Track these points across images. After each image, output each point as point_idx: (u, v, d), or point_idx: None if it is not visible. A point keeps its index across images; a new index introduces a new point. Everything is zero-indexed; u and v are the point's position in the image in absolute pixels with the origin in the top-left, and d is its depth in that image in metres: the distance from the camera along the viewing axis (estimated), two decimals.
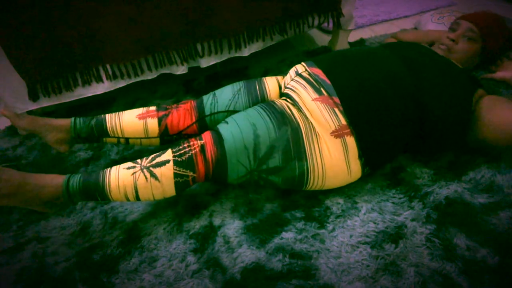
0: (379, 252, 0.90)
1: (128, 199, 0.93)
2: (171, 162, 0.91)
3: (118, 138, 1.11)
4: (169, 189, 0.93)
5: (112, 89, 1.38)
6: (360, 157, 0.98)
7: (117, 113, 1.12)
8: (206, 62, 1.46)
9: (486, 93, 1.11)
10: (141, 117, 1.10)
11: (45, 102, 1.35)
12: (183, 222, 1.02)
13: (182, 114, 1.11)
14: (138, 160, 0.94)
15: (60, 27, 1.21)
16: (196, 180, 0.95)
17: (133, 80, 1.40)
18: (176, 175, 0.92)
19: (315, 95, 0.98)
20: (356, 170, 0.99)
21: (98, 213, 1.07)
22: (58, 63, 1.27)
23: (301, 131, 0.95)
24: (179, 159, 0.92)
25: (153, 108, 1.13)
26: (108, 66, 1.34)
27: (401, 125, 0.99)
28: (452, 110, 1.01)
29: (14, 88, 1.29)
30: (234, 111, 1.09)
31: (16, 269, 0.94)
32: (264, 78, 1.17)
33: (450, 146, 1.11)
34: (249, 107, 1.10)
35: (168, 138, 1.12)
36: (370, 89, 0.98)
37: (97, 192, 0.91)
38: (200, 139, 0.96)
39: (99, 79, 1.35)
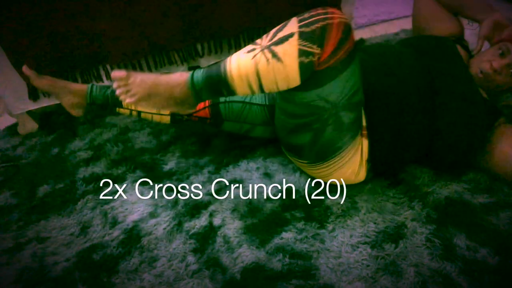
0: (379, 252, 0.90)
1: (252, 91, 0.83)
2: (296, 36, 0.77)
3: (131, 110, 1.11)
4: (293, 74, 0.79)
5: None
6: (368, 161, 1.00)
7: None
8: (206, 62, 1.46)
9: (505, 121, 1.06)
10: None
11: (45, 102, 1.35)
12: (183, 222, 1.02)
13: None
14: (258, 41, 0.83)
15: (60, 27, 1.21)
16: (318, 63, 0.80)
17: None
18: (301, 52, 0.77)
19: None
20: (362, 172, 1.01)
21: (98, 213, 1.07)
22: (58, 63, 1.27)
23: None
24: (306, 29, 0.77)
25: None
26: (108, 66, 1.34)
27: (412, 142, 1.00)
28: (464, 142, 0.99)
29: (14, 88, 1.29)
30: (251, 103, 1.10)
31: (16, 269, 0.94)
32: None
33: (453, 167, 1.09)
34: (265, 103, 1.10)
35: (178, 117, 1.11)
36: (393, 98, 0.97)
37: (221, 85, 0.83)
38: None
39: (99, 79, 1.35)
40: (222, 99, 1.10)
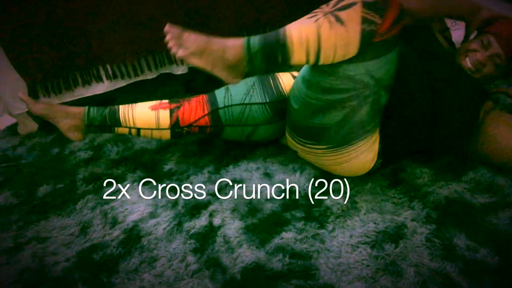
0: (379, 252, 0.90)
1: (308, 59, 0.84)
2: (360, 4, 0.80)
3: (130, 128, 1.11)
4: (354, 41, 0.81)
5: (112, 89, 1.38)
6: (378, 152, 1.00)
7: (130, 104, 1.13)
8: None
9: (494, 105, 1.11)
10: (154, 108, 1.10)
11: None
12: (183, 222, 1.02)
13: (193, 107, 1.11)
14: (322, 6, 0.84)
15: (60, 27, 1.21)
16: (378, 33, 0.82)
17: (133, 80, 1.40)
18: (364, 19, 0.80)
19: None
20: (370, 158, 1.01)
21: (98, 213, 1.07)
22: (58, 63, 1.27)
23: None
24: (369, 0, 0.80)
25: (165, 100, 1.13)
26: (108, 66, 1.34)
27: (419, 125, 1.01)
28: (460, 115, 1.02)
29: (14, 88, 1.29)
30: (251, 103, 1.09)
31: (16, 269, 0.94)
32: (277, 73, 1.17)
33: (454, 148, 1.11)
34: (266, 101, 1.10)
35: (178, 130, 1.12)
36: (401, 83, 0.98)
37: (278, 49, 0.84)
38: None
39: (99, 79, 1.35)
40: (221, 104, 1.10)
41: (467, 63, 1.06)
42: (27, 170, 1.25)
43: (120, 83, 1.38)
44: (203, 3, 1.31)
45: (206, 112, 1.10)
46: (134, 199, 1.10)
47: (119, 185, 1.15)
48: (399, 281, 0.84)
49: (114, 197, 1.11)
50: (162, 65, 1.41)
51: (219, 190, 1.10)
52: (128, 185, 1.14)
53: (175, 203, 1.07)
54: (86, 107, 1.12)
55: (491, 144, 1.04)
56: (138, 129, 1.11)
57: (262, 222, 0.99)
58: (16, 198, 1.15)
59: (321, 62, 0.85)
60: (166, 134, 1.12)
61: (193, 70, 1.52)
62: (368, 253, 0.90)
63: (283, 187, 1.09)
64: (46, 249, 0.99)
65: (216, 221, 1.01)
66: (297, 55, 0.84)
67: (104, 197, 1.12)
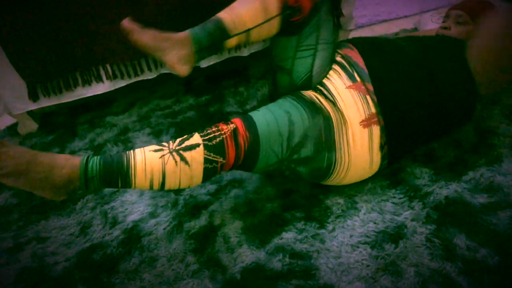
0: (379, 252, 0.90)
1: (152, 187, 0.86)
2: (202, 146, 0.86)
3: (239, 34, 0.95)
4: (197, 176, 0.88)
5: (112, 89, 1.38)
6: (381, 147, 0.98)
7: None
8: (206, 62, 1.46)
9: None
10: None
11: (45, 102, 1.35)
12: (183, 222, 1.02)
13: None
14: (164, 143, 0.88)
15: (60, 27, 1.21)
16: (224, 168, 0.90)
17: (133, 80, 1.40)
18: (206, 160, 0.86)
19: (349, 82, 0.98)
20: (376, 161, 1.00)
21: (98, 213, 1.07)
22: (58, 63, 1.27)
23: (332, 121, 0.95)
24: (210, 143, 0.87)
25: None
26: (108, 66, 1.34)
27: (421, 108, 1.01)
28: (455, 74, 1.06)
29: (14, 88, 1.29)
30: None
31: (16, 269, 0.94)
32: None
33: (466, 113, 1.13)
34: None
35: (288, 12, 0.93)
36: (402, 77, 1.00)
37: (120, 176, 0.83)
38: (231, 123, 0.91)
39: (99, 79, 1.35)
40: None
41: (436, 34, 1.23)
42: None
43: (120, 83, 1.38)
44: (203, 3, 1.31)
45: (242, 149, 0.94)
46: (134, 199, 1.10)
47: None
48: (399, 281, 0.84)
49: (114, 197, 1.11)
50: (162, 65, 1.41)
51: (219, 190, 1.10)
52: None
53: (175, 203, 1.07)
54: (190, 30, 0.95)
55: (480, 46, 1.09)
56: (248, 32, 0.95)
57: (262, 222, 0.99)
58: (16, 198, 1.15)
59: (166, 189, 0.89)
60: (275, 27, 0.95)
61: (193, 70, 1.52)
62: (368, 253, 0.90)
63: (283, 187, 1.09)
64: (46, 249, 0.99)
65: (216, 221, 1.01)
66: (139, 183, 0.85)
67: (104, 197, 1.12)
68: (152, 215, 1.04)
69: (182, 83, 1.63)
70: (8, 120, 1.49)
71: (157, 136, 1.34)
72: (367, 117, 0.95)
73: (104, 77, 1.36)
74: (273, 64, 1.08)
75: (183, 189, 1.11)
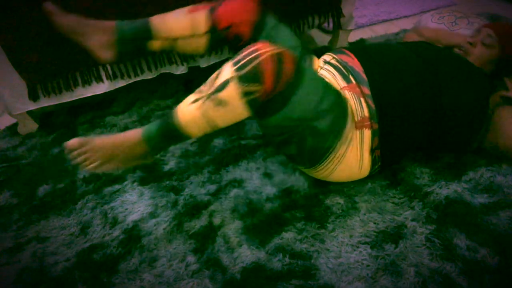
0: (379, 252, 0.90)
1: (206, 133, 0.89)
2: (233, 82, 0.80)
3: (163, 39, 1.01)
4: (242, 112, 0.84)
5: (112, 89, 1.38)
6: (372, 151, 0.98)
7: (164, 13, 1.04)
8: (206, 62, 1.46)
9: (501, 100, 1.12)
10: (192, 10, 1.01)
11: (45, 102, 1.35)
12: (183, 222, 1.02)
13: (236, 6, 1.00)
14: (201, 88, 0.86)
15: None
16: (264, 95, 0.83)
17: (133, 80, 1.40)
18: (243, 94, 0.81)
19: (343, 83, 0.99)
20: (366, 164, 1.00)
21: (98, 213, 1.07)
22: (58, 63, 1.27)
23: (347, 111, 0.94)
24: (241, 73, 0.80)
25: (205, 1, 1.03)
26: (108, 66, 1.34)
27: (420, 122, 1.00)
28: (468, 103, 1.02)
29: (14, 88, 1.29)
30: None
31: (16, 269, 0.94)
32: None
33: (462, 144, 1.11)
34: None
35: (215, 34, 1.00)
36: (398, 83, 0.98)
37: (175, 135, 0.88)
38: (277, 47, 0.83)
39: (99, 79, 1.35)
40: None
41: (459, 47, 1.15)
42: (27, 170, 1.25)
43: (120, 83, 1.38)
44: (204, 2, 1.30)
45: (250, 17, 0.99)
46: (134, 199, 1.10)
47: (119, 185, 1.15)
48: (399, 281, 0.84)
49: (114, 197, 1.11)
50: (162, 65, 1.41)
51: (219, 190, 1.10)
52: (128, 185, 1.14)
53: (175, 203, 1.07)
54: (117, 21, 1.01)
55: (501, 137, 1.06)
56: (174, 41, 1.01)
57: (262, 222, 0.99)
58: (16, 198, 1.15)
59: (222, 127, 0.88)
60: (203, 43, 1.02)
61: (193, 70, 1.52)
62: (368, 253, 0.90)
63: (283, 187, 1.09)
64: (46, 249, 0.99)
65: (216, 221, 1.01)
66: (194, 134, 0.88)
67: (104, 197, 1.12)
68: (152, 215, 1.04)
69: (182, 83, 1.63)
70: (8, 120, 1.49)
71: None
72: (359, 119, 0.95)
73: (104, 77, 1.36)
74: None
75: (183, 189, 1.11)
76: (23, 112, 1.36)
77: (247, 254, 0.92)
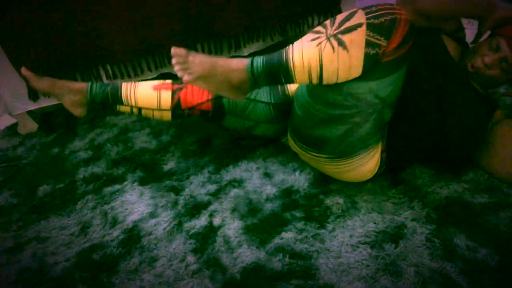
0: (379, 252, 0.90)
1: (311, 80, 0.83)
2: (364, 26, 0.77)
3: (131, 107, 1.10)
4: (357, 64, 0.79)
5: None
6: (381, 152, 0.99)
7: (133, 82, 1.12)
8: None
9: (503, 115, 1.09)
10: (156, 88, 1.08)
11: (45, 102, 1.35)
12: (183, 222, 1.02)
13: (196, 90, 1.08)
14: (322, 28, 0.82)
15: (60, 27, 1.21)
16: (382, 54, 0.79)
17: (133, 80, 1.40)
18: (368, 43, 0.77)
19: None
20: (376, 167, 1.01)
21: (98, 213, 1.07)
22: (58, 63, 1.27)
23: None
24: (375, 21, 0.76)
25: (169, 81, 1.12)
26: (108, 66, 1.34)
27: (425, 136, 1.01)
28: (468, 127, 1.01)
29: (14, 88, 1.29)
30: (256, 101, 1.08)
31: (16, 269, 0.94)
32: None
33: (461, 159, 1.11)
34: (271, 101, 1.08)
35: (179, 112, 1.09)
36: (407, 90, 0.95)
37: (281, 71, 0.84)
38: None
39: (99, 79, 1.35)
40: None
41: (472, 65, 1.03)
42: (27, 170, 1.25)
43: None
44: (204, 2, 1.31)
45: (209, 97, 1.08)
46: (134, 199, 1.10)
47: (119, 185, 1.15)
48: (399, 281, 0.84)
49: (114, 197, 1.11)
50: (162, 65, 1.41)
51: (219, 190, 1.10)
52: (128, 185, 1.14)
53: (175, 203, 1.07)
54: (89, 83, 1.11)
55: (494, 154, 1.04)
56: (139, 109, 1.09)
57: (262, 222, 0.99)
58: (16, 198, 1.15)
59: (324, 83, 0.84)
60: (167, 115, 1.10)
61: None
62: (368, 253, 0.90)
63: (283, 187, 1.09)
64: (46, 249, 0.99)
65: (216, 221, 1.01)
66: (299, 78, 0.84)
67: (104, 197, 1.12)
68: (152, 215, 1.04)
69: None
70: (8, 120, 1.49)
71: (156, 136, 1.34)
72: None
73: (104, 77, 1.36)
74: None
75: (183, 189, 1.11)
76: (23, 112, 1.36)
77: (247, 254, 0.92)
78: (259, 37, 1.48)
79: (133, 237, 0.99)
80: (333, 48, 0.78)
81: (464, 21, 1.19)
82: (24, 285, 0.91)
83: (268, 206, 1.04)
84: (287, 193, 1.07)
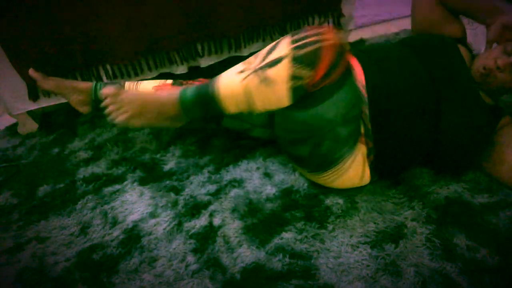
0: (379, 252, 0.90)
1: (242, 111, 0.85)
2: (288, 59, 0.76)
3: None
4: (284, 97, 0.79)
5: None
6: (372, 163, 0.99)
7: (136, 81, 1.14)
8: (206, 62, 1.47)
9: (510, 120, 1.05)
10: (157, 88, 1.10)
11: (45, 102, 1.35)
12: (183, 222, 1.02)
13: None
14: (251, 59, 0.83)
15: (60, 27, 1.21)
16: (311, 84, 0.78)
17: (133, 80, 1.40)
18: (292, 76, 0.76)
19: None
20: (367, 176, 1.01)
21: (98, 213, 1.07)
22: (58, 63, 1.27)
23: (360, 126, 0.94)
24: (299, 52, 0.75)
25: (169, 81, 1.13)
26: (108, 66, 1.34)
27: (417, 146, 1.00)
28: (467, 146, 0.99)
29: (14, 88, 1.29)
30: None
31: (16, 269, 0.94)
32: None
33: (456, 169, 1.09)
34: None
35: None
36: (399, 98, 0.95)
37: (210, 104, 0.85)
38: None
39: (99, 79, 1.35)
40: None
41: (484, 67, 0.98)
42: (27, 170, 1.25)
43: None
44: (204, 2, 1.31)
45: None
46: (134, 199, 1.10)
47: (119, 185, 1.15)
48: (399, 281, 0.84)
49: (114, 197, 1.11)
50: (162, 65, 1.41)
51: (219, 190, 1.10)
52: (128, 185, 1.14)
53: (175, 203, 1.07)
54: (94, 83, 1.16)
55: (501, 161, 1.01)
56: None
57: (262, 222, 0.99)
58: (16, 198, 1.15)
59: (257, 112, 0.85)
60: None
61: (192, 70, 1.52)
62: (368, 253, 0.90)
63: (283, 187, 1.09)
64: (46, 249, 0.99)
65: (216, 221, 1.01)
66: (230, 109, 0.85)
67: (104, 197, 1.12)
68: (152, 215, 1.04)
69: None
70: (8, 120, 1.49)
71: (156, 136, 1.34)
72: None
73: (104, 77, 1.36)
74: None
75: (183, 189, 1.11)
76: (23, 112, 1.36)
77: (247, 254, 0.92)
78: (259, 37, 1.48)
79: (133, 237, 0.99)
80: (257, 82, 0.79)
81: (464, 21, 1.19)
82: (24, 285, 0.91)
83: (268, 206, 1.04)
84: (287, 193, 1.07)
